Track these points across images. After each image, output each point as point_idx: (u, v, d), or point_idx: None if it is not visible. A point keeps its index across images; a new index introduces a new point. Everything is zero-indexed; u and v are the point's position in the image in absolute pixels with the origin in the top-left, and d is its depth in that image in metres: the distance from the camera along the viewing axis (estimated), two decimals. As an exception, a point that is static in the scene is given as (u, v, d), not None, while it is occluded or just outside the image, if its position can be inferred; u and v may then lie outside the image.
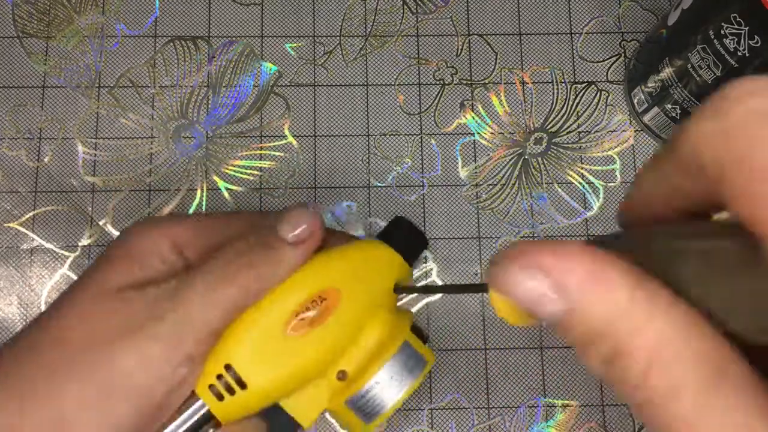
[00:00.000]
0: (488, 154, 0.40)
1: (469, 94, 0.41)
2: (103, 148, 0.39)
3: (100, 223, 0.38)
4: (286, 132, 0.40)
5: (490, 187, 0.40)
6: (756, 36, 0.29)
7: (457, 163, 0.40)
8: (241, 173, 0.39)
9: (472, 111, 0.41)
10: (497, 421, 0.37)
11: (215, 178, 0.39)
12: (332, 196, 0.39)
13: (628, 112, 0.41)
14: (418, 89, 0.41)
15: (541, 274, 0.15)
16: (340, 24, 0.42)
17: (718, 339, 0.15)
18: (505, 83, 0.41)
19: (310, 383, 0.28)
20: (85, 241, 0.38)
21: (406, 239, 0.32)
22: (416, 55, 0.41)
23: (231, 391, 0.27)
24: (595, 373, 0.16)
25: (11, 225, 0.38)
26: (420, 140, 0.40)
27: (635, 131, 0.41)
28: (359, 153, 0.40)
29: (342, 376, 0.29)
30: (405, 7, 0.42)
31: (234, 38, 0.41)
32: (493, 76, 0.41)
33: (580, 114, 0.41)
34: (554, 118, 0.41)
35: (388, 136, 0.40)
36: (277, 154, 0.40)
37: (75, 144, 0.39)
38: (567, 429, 0.37)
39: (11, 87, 0.40)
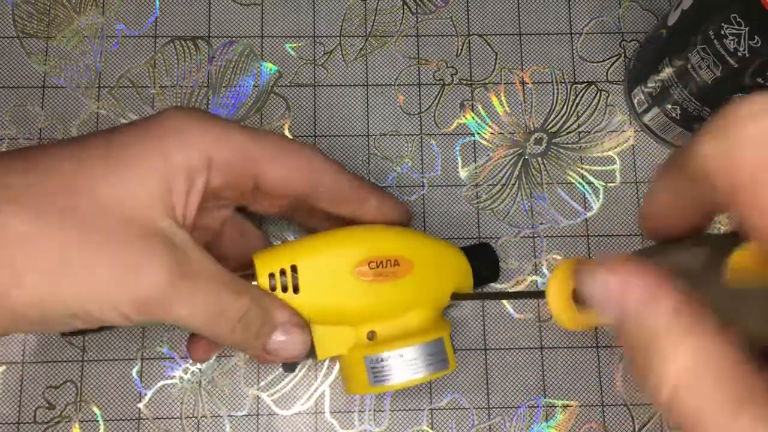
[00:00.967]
0: (488, 155, 0.40)
1: (469, 95, 0.41)
2: (103, 148, 0.39)
3: (100, 223, 0.38)
4: (287, 132, 0.40)
5: (490, 187, 0.40)
6: (756, 36, 0.29)
7: (457, 163, 0.40)
8: (241, 173, 0.39)
9: (472, 111, 0.41)
10: (497, 421, 0.37)
11: (215, 178, 0.39)
12: (332, 196, 0.39)
13: (628, 112, 0.41)
14: (418, 89, 0.41)
15: (615, 283, 0.18)
16: (340, 24, 0.42)
17: (745, 364, 0.16)
18: (505, 83, 0.41)
19: (342, 326, 0.31)
20: (85, 241, 0.38)
21: (483, 266, 0.36)
22: (416, 55, 0.41)
23: (284, 289, 0.29)
24: (636, 382, 0.18)
25: (11, 225, 0.38)
26: (420, 140, 0.40)
27: (635, 131, 0.41)
28: (359, 153, 0.40)
29: (371, 336, 0.31)
30: (405, 7, 0.42)
31: (234, 38, 0.41)
32: (493, 76, 0.41)
33: (580, 114, 0.41)
34: (554, 119, 0.41)
35: (388, 137, 0.40)
36: (277, 154, 0.39)
37: (75, 144, 0.39)
38: (567, 429, 0.37)
39: (11, 87, 0.40)
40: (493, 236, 0.39)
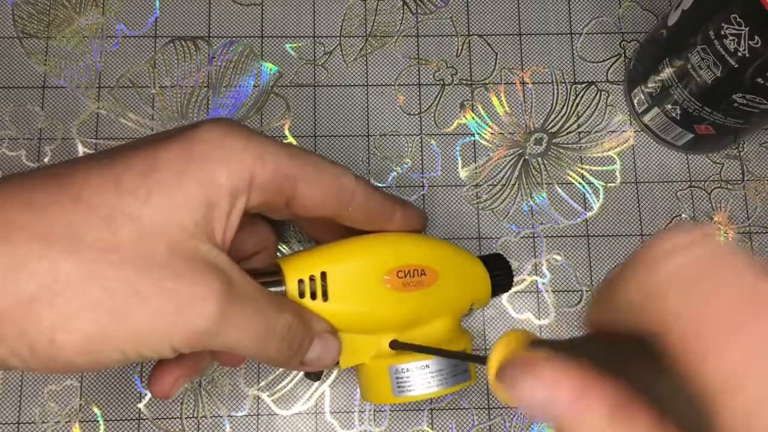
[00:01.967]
0: (488, 155, 0.40)
1: (469, 95, 0.41)
2: (103, 148, 0.39)
3: (100, 223, 0.38)
4: (287, 132, 0.40)
5: (490, 187, 0.40)
6: (756, 36, 0.29)
7: (457, 163, 0.40)
8: (241, 173, 0.39)
9: (472, 111, 0.41)
10: (497, 421, 0.37)
11: (215, 178, 0.39)
12: (332, 197, 0.39)
13: (628, 112, 0.41)
14: (418, 89, 0.41)
15: (540, 388, 0.17)
16: (340, 24, 0.42)
17: None
18: (505, 83, 0.41)
19: (365, 334, 0.31)
20: (85, 242, 0.38)
21: (501, 275, 0.36)
22: (416, 56, 0.41)
23: (313, 296, 0.29)
24: None
25: (11, 225, 0.38)
26: (420, 140, 0.40)
27: (635, 131, 0.41)
28: (359, 153, 0.40)
29: (393, 344, 0.31)
30: (405, 7, 0.42)
31: (234, 38, 0.41)
32: (493, 76, 0.41)
33: (580, 114, 0.41)
34: (554, 119, 0.41)
35: (388, 137, 0.40)
36: (277, 154, 0.39)
37: (75, 144, 0.39)
38: (567, 429, 0.37)
39: (11, 87, 0.40)
40: (493, 236, 0.39)
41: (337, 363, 0.31)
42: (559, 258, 0.39)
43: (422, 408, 0.37)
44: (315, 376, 0.34)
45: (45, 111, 0.39)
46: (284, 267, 0.29)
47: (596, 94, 0.41)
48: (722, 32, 0.31)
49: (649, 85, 0.38)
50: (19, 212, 0.22)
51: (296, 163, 0.27)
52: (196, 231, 0.24)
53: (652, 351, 0.16)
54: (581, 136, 0.40)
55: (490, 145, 0.40)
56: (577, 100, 0.41)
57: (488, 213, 0.39)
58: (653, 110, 0.39)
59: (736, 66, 0.31)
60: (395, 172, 0.40)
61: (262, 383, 0.37)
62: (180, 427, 0.36)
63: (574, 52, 0.42)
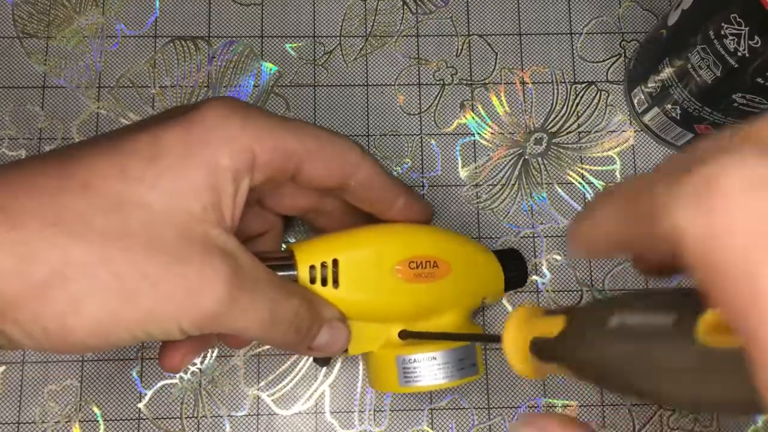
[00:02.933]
0: (488, 154, 0.40)
1: (469, 94, 0.41)
2: (103, 148, 0.39)
3: (100, 223, 0.38)
4: (286, 132, 0.40)
5: (490, 187, 0.40)
6: (756, 36, 0.29)
7: (457, 163, 0.40)
8: (241, 173, 0.39)
9: (472, 111, 0.41)
10: (497, 421, 0.37)
11: (215, 178, 0.39)
12: (332, 196, 0.39)
13: (628, 112, 0.41)
14: (418, 89, 0.41)
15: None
16: (340, 24, 0.42)
17: None
18: (505, 83, 0.41)
19: (374, 324, 0.31)
20: (85, 241, 0.38)
21: (515, 270, 0.35)
22: (416, 55, 0.41)
23: (324, 282, 0.29)
24: None
25: (11, 225, 0.38)
26: (420, 140, 0.40)
27: (635, 131, 0.41)
28: (359, 153, 0.40)
29: (402, 333, 0.31)
30: (405, 7, 0.42)
31: (234, 38, 0.41)
32: (493, 76, 0.41)
33: (580, 114, 0.41)
34: (554, 118, 0.41)
35: (388, 136, 0.40)
36: (277, 154, 0.39)
37: (75, 144, 0.39)
38: (567, 429, 0.37)
39: (11, 87, 0.40)
40: (493, 236, 0.39)
41: (346, 350, 0.31)
42: (559, 258, 0.39)
43: (422, 408, 0.37)
44: (323, 362, 0.34)
45: (45, 111, 0.39)
46: (297, 252, 0.30)
47: (596, 94, 0.41)
48: (722, 32, 0.31)
49: (649, 85, 0.38)
50: (30, 199, 0.22)
51: (297, 139, 0.27)
52: (204, 215, 0.24)
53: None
54: (581, 136, 0.40)
55: (490, 145, 0.40)
56: (577, 100, 0.41)
57: (488, 213, 0.39)
58: (653, 110, 0.39)
59: (736, 66, 0.31)
60: (395, 172, 0.40)
61: (262, 383, 0.37)
62: (180, 426, 0.36)
63: (574, 52, 0.42)
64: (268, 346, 0.37)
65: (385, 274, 0.30)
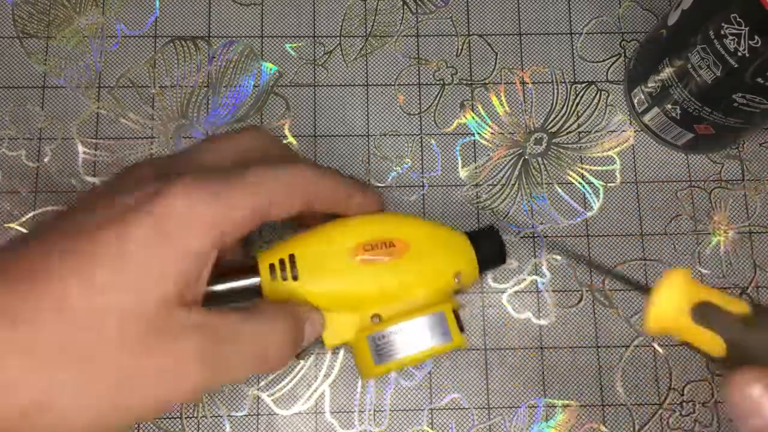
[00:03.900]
0: (488, 154, 0.40)
1: (469, 94, 0.41)
2: (103, 148, 0.39)
3: (100, 223, 0.38)
4: (287, 132, 0.40)
5: (490, 187, 0.40)
6: (756, 36, 0.29)
7: (457, 163, 0.40)
8: (241, 173, 0.39)
9: (472, 111, 0.41)
10: (497, 421, 0.37)
11: (215, 178, 0.39)
12: (332, 196, 0.39)
13: (628, 112, 0.41)
14: (418, 89, 0.41)
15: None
16: (340, 24, 0.42)
17: None
18: (505, 83, 0.41)
19: (346, 313, 0.31)
20: (85, 241, 0.38)
21: (487, 248, 0.34)
22: (416, 55, 0.41)
23: (284, 278, 0.30)
24: None
25: (11, 225, 0.38)
26: (420, 140, 0.40)
27: (635, 131, 0.41)
28: (359, 153, 0.40)
29: (376, 319, 0.31)
30: (405, 7, 0.42)
31: (234, 38, 0.41)
32: (493, 76, 0.41)
33: (580, 114, 0.41)
34: (554, 118, 0.41)
35: (388, 136, 0.40)
36: (277, 154, 0.39)
37: (75, 144, 0.39)
38: (567, 429, 0.37)
39: (11, 87, 0.40)
40: (493, 236, 0.39)
41: (323, 343, 0.32)
42: (559, 258, 0.39)
43: (422, 408, 0.37)
44: (302, 355, 0.34)
45: (45, 111, 0.39)
46: (258, 257, 0.31)
47: (596, 94, 0.41)
48: (722, 32, 0.31)
49: (649, 85, 0.38)
50: (2, 327, 0.23)
51: (265, 197, 0.27)
52: (173, 303, 0.25)
53: None
54: (581, 135, 0.40)
55: (490, 145, 0.40)
56: (577, 100, 0.41)
57: (488, 213, 0.39)
58: (653, 110, 0.39)
59: (736, 66, 0.31)
60: (395, 172, 0.40)
61: (262, 383, 0.37)
62: (180, 427, 0.36)
63: (574, 52, 0.42)
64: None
65: (342, 260, 0.31)
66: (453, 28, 0.42)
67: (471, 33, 0.42)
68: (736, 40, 0.30)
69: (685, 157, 0.40)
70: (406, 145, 0.40)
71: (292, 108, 0.40)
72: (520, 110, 0.41)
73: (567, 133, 0.40)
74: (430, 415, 0.37)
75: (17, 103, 0.39)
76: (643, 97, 0.39)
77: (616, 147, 0.40)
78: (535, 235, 0.39)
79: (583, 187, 0.40)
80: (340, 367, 0.37)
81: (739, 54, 0.30)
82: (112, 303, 0.24)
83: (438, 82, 0.41)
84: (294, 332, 0.28)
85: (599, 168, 0.40)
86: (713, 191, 0.40)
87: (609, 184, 0.40)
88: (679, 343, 0.34)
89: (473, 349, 0.38)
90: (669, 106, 0.37)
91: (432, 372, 0.37)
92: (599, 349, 0.38)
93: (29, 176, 0.39)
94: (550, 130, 0.40)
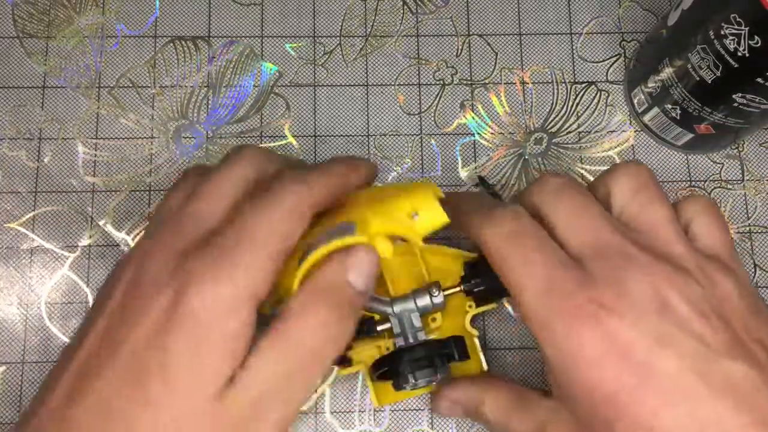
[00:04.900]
0: (488, 155, 0.40)
1: (469, 94, 0.41)
2: (103, 148, 0.39)
3: (100, 223, 0.38)
4: (287, 132, 0.40)
5: (490, 187, 0.40)
6: (756, 36, 0.29)
7: (457, 163, 0.40)
8: (241, 173, 0.39)
9: (472, 111, 0.41)
10: (497, 421, 0.37)
11: (215, 178, 0.39)
12: (332, 196, 0.39)
13: (628, 112, 0.41)
14: (418, 89, 0.41)
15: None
16: (340, 24, 0.42)
17: None
18: (505, 83, 0.41)
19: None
20: (85, 242, 0.38)
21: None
22: (416, 55, 0.41)
23: None
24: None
25: (11, 225, 0.38)
26: (420, 140, 0.40)
27: (635, 131, 0.41)
28: (359, 153, 0.40)
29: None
30: (405, 7, 0.42)
31: (234, 38, 0.41)
32: (493, 76, 0.41)
33: (580, 114, 0.41)
34: (554, 119, 0.41)
35: (388, 136, 0.40)
36: (277, 154, 0.39)
37: (75, 144, 0.39)
38: (567, 429, 0.37)
39: (11, 87, 0.40)
40: (493, 236, 0.39)
41: (344, 364, 0.34)
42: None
43: (422, 408, 0.37)
44: (342, 361, 0.34)
45: (45, 111, 0.39)
46: None
47: (596, 94, 0.41)
48: (722, 32, 0.31)
49: (649, 85, 0.38)
50: None
51: (273, 245, 0.25)
52: (223, 379, 0.24)
53: None
54: (581, 136, 0.40)
55: (490, 145, 0.40)
56: (577, 100, 0.41)
57: (488, 213, 0.39)
58: (653, 110, 0.39)
59: (736, 66, 0.31)
60: (395, 172, 0.40)
61: (262, 383, 0.37)
62: (180, 427, 0.36)
63: (574, 52, 0.42)
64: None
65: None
66: (453, 28, 0.42)
67: (471, 33, 0.42)
68: (736, 40, 0.30)
69: (685, 157, 0.40)
70: (406, 145, 0.40)
71: (292, 108, 0.40)
72: (520, 110, 0.41)
73: (567, 133, 0.40)
74: (430, 415, 0.37)
75: (17, 103, 0.39)
76: (643, 97, 0.39)
77: (616, 147, 0.40)
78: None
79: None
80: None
81: (739, 54, 0.30)
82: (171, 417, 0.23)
83: (438, 82, 0.41)
84: (338, 312, 0.26)
85: (599, 168, 0.40)
86: (713, 191, 0.40)
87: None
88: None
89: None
90: (669, 106, 0.37)
91: (432, 372, 0.37)
92: (599, 349, 0.38)
93: (29, 176, 0.39)
94: (550, 130, 0.40)
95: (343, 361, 0.33)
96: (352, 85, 0.41)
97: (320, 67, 0.41)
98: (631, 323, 0.24)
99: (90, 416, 0.24)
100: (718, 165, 0.40)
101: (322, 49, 0.41)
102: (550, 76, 0.41)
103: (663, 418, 0.23)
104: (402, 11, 0.42)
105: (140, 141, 0.39)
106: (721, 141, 0.39)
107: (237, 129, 0.40)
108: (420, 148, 0.40)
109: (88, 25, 0.41)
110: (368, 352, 0.34)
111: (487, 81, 0.41)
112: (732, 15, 0.30)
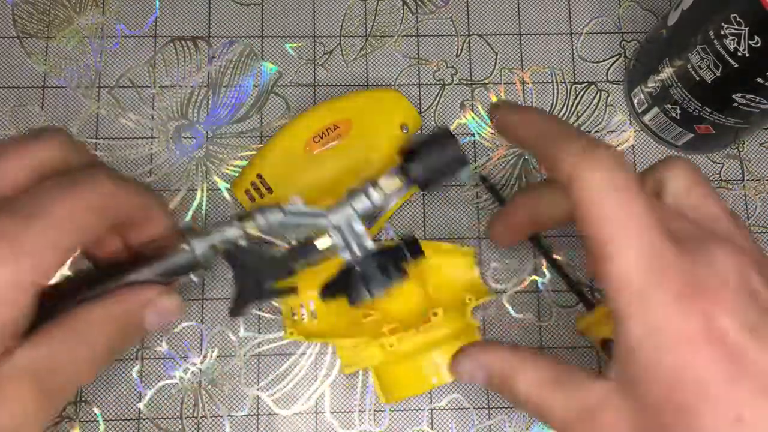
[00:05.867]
0: (488, 155, 0.40)
1: (469, 94, 0.41)
2: (103, 148, 0.39)
3: (100, 223, 0.38)
4: (286, 132, 0.40)
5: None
6: (756, 36, 0.29)
7: (457, 163, 0.40)
8: (241, 173, 0.39)
9: (472, 111, 0.41)
10: (497, 421, 0.37)
11: (215, 178, 0.39)
12: (332, 196, 0.39)
13: (628, 112, 0.41)
14: (418, 89, 0.41)
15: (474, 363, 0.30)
16: (340, 24, 0.42)
17: None
18: (505, 83, 0.41)
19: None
20: (85, 242, 0.38)
21: (442, 154, 0.30)
22: (416, 55, 0.41)
23: (261, 195, 0.36)
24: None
25: (11, 225, 0.38)
26: (420, 140, 0.40)
27: (635, 131, 0.41)
28: (359, 153, 0.40)
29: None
30: (405, 7, 0.42)
31: (234, 38, 0.41)
32: (493, 76, 0.41)
33: (580, 114, 0.41)
34: (554, 118, 0.41)
35: (388, 136, 0.40)
36: (277, 154, 0.39)
37: (75, 144, 0.39)
38: (567, 429, 0.37)
39: (11, 87, 0.40)
40: (493, 236, 0.39)
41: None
42: (559, 258, 0.39)
43: (422, 408, 0.37)
44: (235, 311, 0.30)
45: (45, 111, 0.39)
46: (233, 189, 0.37)
47: (596, 94, 0.41)
48: (722, 32, 0.31)
49: (649, 85, 0.38)
50: None
51: (66, 227, 0.24)
52: None
53: None
54: (581, 136, 0.40)
55: (490, 145, 0.40)
56: (577, 100, 0.41)
57: (488, 213, 0.39)
58: (653, 110, 0.39)
59: (736, 66, 0.31)
60: (395, 172, 0.40)
61: (262, 383, 0.37)
62: (180, 427, 0.36)
63: (574, 52, 0.42)
64: (269, 346, 0.37)
65: (300, 158, 0.36)
66: (453, 28, 0.42)
67: (471, 33, 0.42)
68: (736, 40, 0.30)
69: (685, 157, 0.40)
70: (406, 145, 0.40)
71: (292, 108, 0.40)
72: (520, 110, 0.41)
73: (567, 133, 0.40)
74: (430, 415, 0.37)
75: (17, 103, 0.39)
76: (643, 97, 0.39)
77: (616, 147, 0.40)
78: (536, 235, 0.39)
79: (583, 187, 0.40)
80: (339, 367, 0.37)
81: (739, 54, 0.30)
82: None
83: (438, 82, 0.41)
84: (122, 334, 0.26)
85: (599, 168, 0.40)
86: (713, 191, 0.40)
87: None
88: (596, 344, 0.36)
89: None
90: (669, 106, 0.37)
91: (432, 372, 0.37)
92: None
93: (29, 176, 0.39)
94: (550, 130, 0.40)
95: (291, 291, 0.30)
96: (352, 85, 0.41)
97: (320, 67, 0.41)
98: (726, 309, 0.23)
99: None
100: (718, 165, 0.40)
101: (322, 49, 0.41)
102: (550, 76, 0.41)
103: (752, 411, 0.22)
104: (402, 11, 0.42)
105: (140, 141, 0.39)
106: (721, 141, 0.39)
107: (237, 129, 0.40)
108: (420, 148, 0.40)
109: (88, 25, 0.41)
110: (370, 353, 0.34)
111: (487, 81, 0.41)
112: (732, 15, 0.30)
